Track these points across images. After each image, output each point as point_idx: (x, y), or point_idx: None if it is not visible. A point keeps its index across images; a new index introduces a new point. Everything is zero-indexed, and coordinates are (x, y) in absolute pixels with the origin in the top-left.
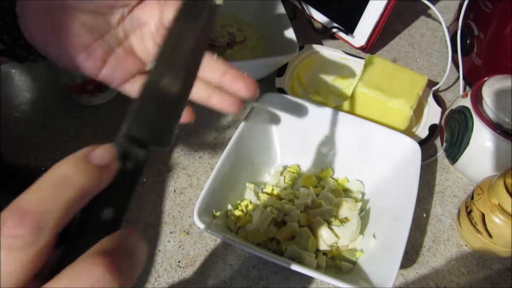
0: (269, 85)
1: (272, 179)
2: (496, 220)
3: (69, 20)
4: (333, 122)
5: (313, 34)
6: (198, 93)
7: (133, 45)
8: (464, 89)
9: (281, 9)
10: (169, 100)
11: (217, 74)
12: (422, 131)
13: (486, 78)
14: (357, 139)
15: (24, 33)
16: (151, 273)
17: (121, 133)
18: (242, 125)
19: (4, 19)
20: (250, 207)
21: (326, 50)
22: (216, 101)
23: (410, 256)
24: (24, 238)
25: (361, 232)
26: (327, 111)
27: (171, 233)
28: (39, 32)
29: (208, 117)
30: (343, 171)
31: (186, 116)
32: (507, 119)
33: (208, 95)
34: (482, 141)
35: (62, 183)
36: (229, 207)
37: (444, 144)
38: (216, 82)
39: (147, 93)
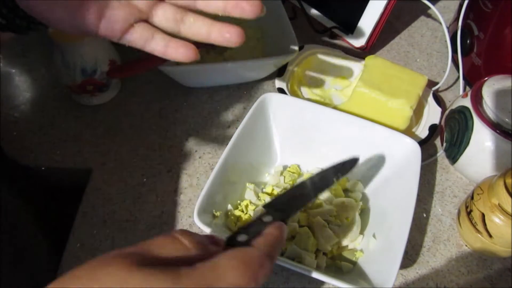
0: (269, 85)
1: (272, 179)
2: (496, 220)
3: None
4: (333, 122)
5: (313, 34)
6: (198, 31)
7: None
8: (464, 89)
9: (281, 9)
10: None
11: (220, 2)
12: (422, 131)
13: (486, 78)
14: (357, 139)
15: (20, 4)
16: None
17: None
18: (242, 125)
19: None
20: (250, 207)
21: (326, 50)
22: (217, 35)
23: (410, 256)
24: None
25: (361, 232)
26: (327, 111)
27: None
28: (34, 0)
29: (207, 117)
30: None
31: (190, 55)
32: (507, 119)
33: (207, 31)
34: (482, 141)
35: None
36: (229, 207)
37: (444, 144)
38: (221, 11)
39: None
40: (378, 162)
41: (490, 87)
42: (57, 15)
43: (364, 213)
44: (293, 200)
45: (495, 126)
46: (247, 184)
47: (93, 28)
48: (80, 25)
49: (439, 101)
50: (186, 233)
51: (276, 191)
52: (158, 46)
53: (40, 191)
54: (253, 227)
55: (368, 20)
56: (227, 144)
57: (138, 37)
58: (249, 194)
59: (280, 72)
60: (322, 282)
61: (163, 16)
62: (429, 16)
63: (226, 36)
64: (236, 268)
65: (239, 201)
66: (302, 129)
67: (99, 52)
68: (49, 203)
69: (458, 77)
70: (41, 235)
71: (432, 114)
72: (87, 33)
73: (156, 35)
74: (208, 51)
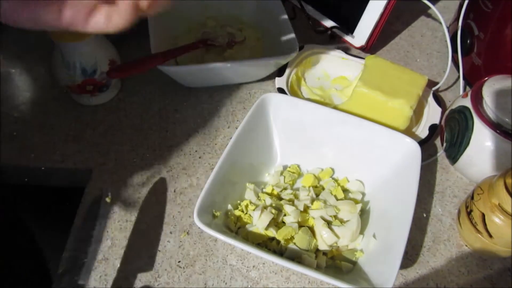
0: (269, 85)
1: (272, 179)
2: (496, 220)
3: None
4: (333, 122)
5: (313, 34)
6: None
7: None
8: (464, 89)
9: (281, 9)
10: None
11: None
12: (422, 131)
13: (486, 78)
14: (357, 139)
15: None
16: (151, 273)
17: None
18: (242, 125)
19: None
20: (250, 207)
21: (326, 50)
22: None
23: (410, 256)
24: None
25: (361, 232)
26: (327, 111)
27: (171, 233)
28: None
29: (207, 117)
30: (343, 171)
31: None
32: (507, 119)
33: None
34: (482, 141)
35: None
36: (229, 207)
37: (444, 144)
38: None
39: None
40: (378, 162)
41: (490, 87)
42: (20, 15)
43: (364, 213)
44: None
45: (495, 126)
46: (247, 184)
47: (56, 21)
48: (43, 19)
49: (439, 101)
50: None
51: (276, 191)
52: (119, 20)
53: (40, 192)
54: None
55: (368, 20)
56: (227, 144)
57: (103, 18)
58: (249, 194)
59: (280, 72)
60: (322, 282)
61: None
62: (429, 16)
63: None
64: None
65: (239, 201)
66: (302, 129)
67: (99, 52)
68: (49, 203)
69: (458, 77)
70: (41, 235)
71: (432, 114)
72: (50, 27)
73: (115, 11)
74: (208, 51)
